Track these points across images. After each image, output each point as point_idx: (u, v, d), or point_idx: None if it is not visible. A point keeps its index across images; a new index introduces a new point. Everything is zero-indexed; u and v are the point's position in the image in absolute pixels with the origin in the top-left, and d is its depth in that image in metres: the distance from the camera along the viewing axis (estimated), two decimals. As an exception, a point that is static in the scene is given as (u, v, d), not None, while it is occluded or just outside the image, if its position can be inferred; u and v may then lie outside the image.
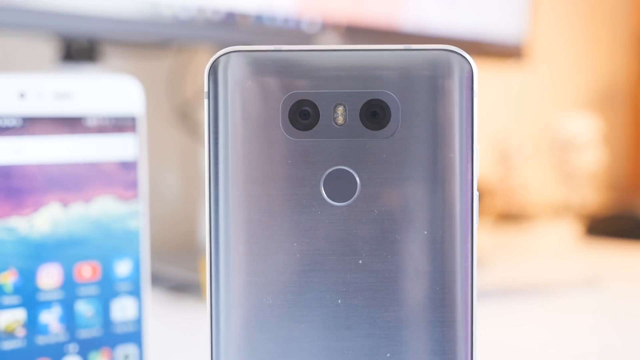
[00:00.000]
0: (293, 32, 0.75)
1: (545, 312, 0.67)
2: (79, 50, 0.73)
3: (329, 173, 0.28)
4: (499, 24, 0.93)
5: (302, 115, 0.28)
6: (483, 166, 1.16)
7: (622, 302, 0.72)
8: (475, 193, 0.29)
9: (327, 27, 0.78)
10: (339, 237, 0.28)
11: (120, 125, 0.41)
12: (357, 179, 0.28)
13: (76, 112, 0.40)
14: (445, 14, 0.88)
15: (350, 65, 0.28)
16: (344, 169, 0.28)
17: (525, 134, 1.38)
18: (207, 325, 0.29)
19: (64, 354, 0.40)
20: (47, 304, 0.40)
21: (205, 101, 0.28)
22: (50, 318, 0.40)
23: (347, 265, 0.29)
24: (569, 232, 1.12)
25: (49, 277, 0.40)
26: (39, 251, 0.39)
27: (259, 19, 0.73)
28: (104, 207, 0.41)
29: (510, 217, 1.22)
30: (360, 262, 0.29)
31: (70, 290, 0.40)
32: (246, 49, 0.28)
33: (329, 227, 0.28)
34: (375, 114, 0.28)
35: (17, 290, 0.39)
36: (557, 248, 1.03)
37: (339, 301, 0.29)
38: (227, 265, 0.28)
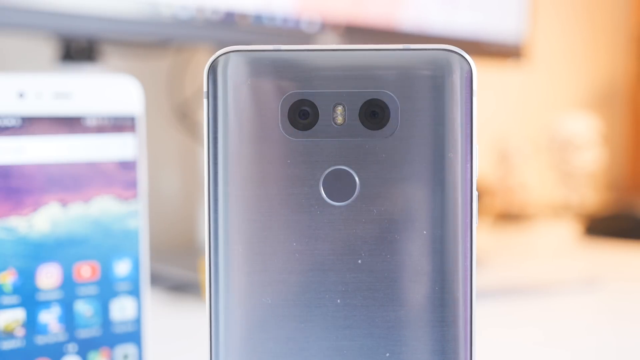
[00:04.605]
0: (292, 32, 0.75)
1: (544, 312, 0.67)
2: (78, 50, 0.73)
3: (328, 173, 0.28)
4: (498, 23, 0.93)
5: (302, 115, 0.28)
6: (483, 166, 1.16)
7: (622, 302, 0.72)
8: (475, 193, 0.29)
9: (327, 27, 0.78)
10: (338, 237, 0.28)
11: (120, 125, 0.41)
12: (357, 178, 0.28)
13: (75, 112, 0.40)
14: (444, 13, 0.87)
15: (349, 65, 0.28)
16: (343, 169, 0.28)
17: (525, 134, 1.38)
18: (207, 325, 0.29)
19: (63, 353, 0.40)
20: (46, 304, 0.40)
21: (205, 101, 0.28)
22: (50, 318, 0.40)
23: (347, 265, 0.28)
24: (569, 232, 1.12)
25: (48, 277, 0.40)
26: (38, 251, 0.39)
27: (258, 18, 0.73)
28: (103, 207, 0.41)
29: (509, 217, 1.22)
30: (359, 262, 0.28)
31: (69, 290, 0.40)
32: (245, 49, 0.28)
33: (328, 227, 0.28)
34: (374, 114, 0.28)
35: (16, 290, 0.39)
36: (556, 248, 1.03)
37: (338, 301, 0.29)
38: (227, 265, 0.28)
